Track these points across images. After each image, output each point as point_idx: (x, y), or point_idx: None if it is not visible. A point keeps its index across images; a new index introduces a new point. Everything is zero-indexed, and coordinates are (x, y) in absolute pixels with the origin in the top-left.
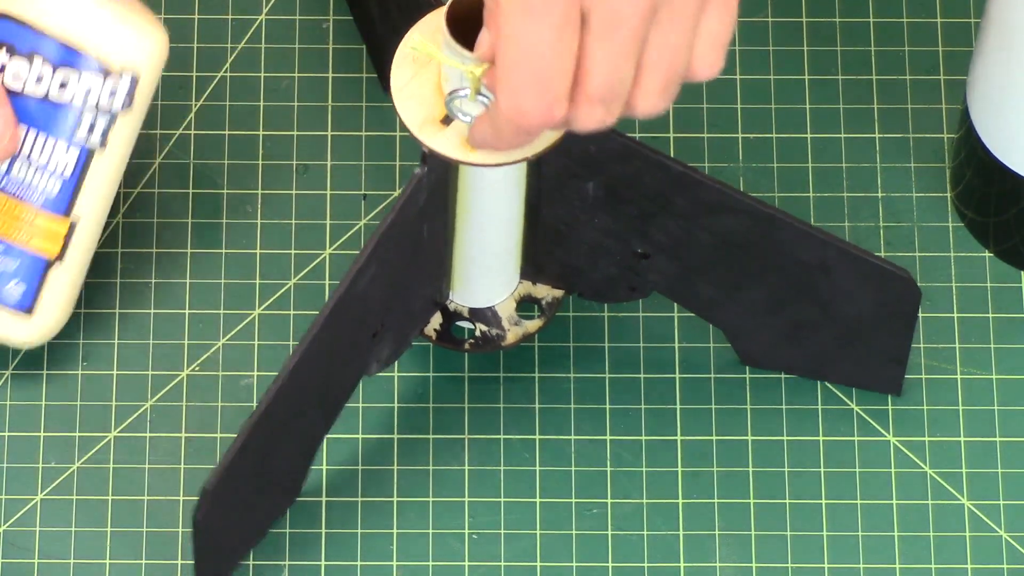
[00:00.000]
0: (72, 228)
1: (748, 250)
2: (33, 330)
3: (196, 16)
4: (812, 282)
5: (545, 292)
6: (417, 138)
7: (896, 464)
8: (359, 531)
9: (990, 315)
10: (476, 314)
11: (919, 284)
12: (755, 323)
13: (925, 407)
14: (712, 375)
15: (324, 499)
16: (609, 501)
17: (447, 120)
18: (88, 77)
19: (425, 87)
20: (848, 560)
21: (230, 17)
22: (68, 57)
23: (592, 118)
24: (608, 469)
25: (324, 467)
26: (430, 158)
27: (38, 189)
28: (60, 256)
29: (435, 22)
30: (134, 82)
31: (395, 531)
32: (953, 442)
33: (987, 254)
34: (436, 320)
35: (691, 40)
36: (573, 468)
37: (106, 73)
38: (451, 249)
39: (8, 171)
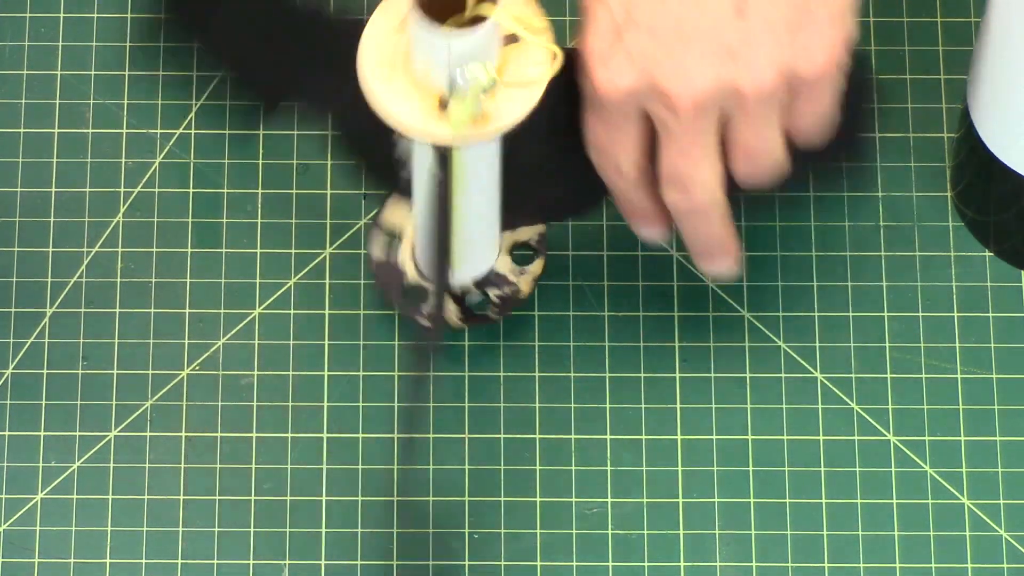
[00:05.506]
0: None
1: None
2: None
3: None
4: None
5: (529, 232)
6: (428, 139)
7: (896, 464)
8: (359, 531)
9: (990, 315)
10: (482, 282)
11: (919, 283)
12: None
13: (925, 407)
14: (712, 374)
15: (324, 499)
16: (609, 501)
17: (443, 104)
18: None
19: (407, 85)
20: (848, 560)
21: None
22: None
23: (669, 196)
24: (608, 469)
25: (324, 467)
26: (443, 151)
27: None
28: None
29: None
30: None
31: (395, 531)
32: (953, 442)
33: (987, 254)
34: (453, 308)
35: (772, 133)
36: (573, 468)
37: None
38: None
39: None
